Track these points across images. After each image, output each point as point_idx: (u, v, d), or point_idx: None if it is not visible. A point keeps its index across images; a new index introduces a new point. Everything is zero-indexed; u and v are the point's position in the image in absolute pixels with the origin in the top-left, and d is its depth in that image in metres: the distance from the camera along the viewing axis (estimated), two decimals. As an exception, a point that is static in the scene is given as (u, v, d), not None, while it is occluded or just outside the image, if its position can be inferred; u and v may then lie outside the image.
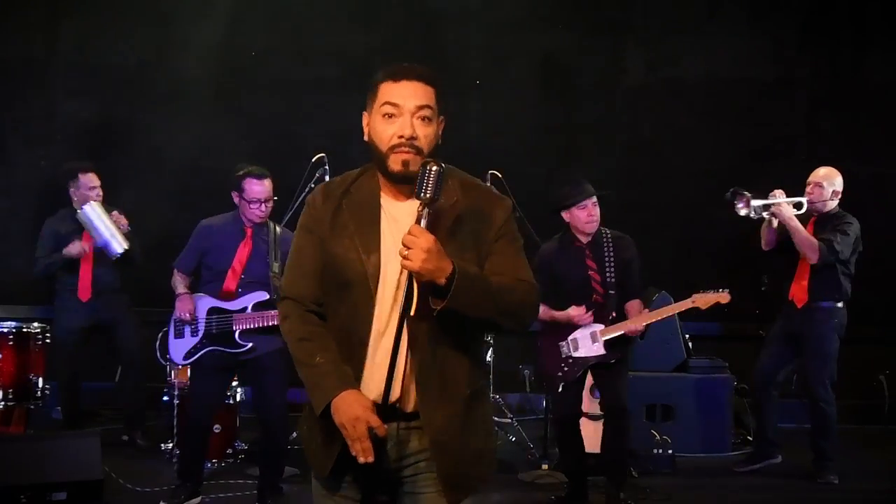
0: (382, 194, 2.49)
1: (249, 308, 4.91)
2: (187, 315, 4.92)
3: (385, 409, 2.37)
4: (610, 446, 5.10)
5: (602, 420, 5.75)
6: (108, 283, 6.22)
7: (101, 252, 5.97)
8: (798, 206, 5.74)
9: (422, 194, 2.31)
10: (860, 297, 5.83)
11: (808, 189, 5.84)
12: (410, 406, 2.43)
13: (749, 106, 7.76)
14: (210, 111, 7.58)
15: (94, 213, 5.81)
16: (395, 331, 2.34)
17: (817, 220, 5.85)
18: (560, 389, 5.11)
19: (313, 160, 5.80)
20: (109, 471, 5.20)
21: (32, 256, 6.24)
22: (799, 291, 5.82)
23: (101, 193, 6.13)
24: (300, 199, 5.72)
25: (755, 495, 5.67)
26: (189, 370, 5.40)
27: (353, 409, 2.34)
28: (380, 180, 2.49)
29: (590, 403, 5.72)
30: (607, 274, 5.07)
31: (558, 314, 5.09)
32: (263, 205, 4.94)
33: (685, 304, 5.16)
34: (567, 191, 5.14)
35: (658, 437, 6.08)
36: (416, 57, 2.51)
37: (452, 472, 2.44)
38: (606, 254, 5.10)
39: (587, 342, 5.06)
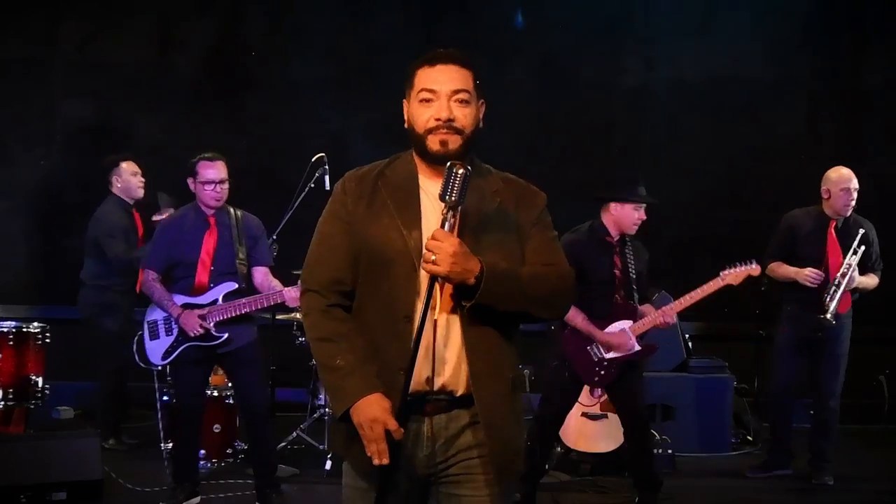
0: (420, 175, 2.49)
1: (220, 300, 4.89)
2: (200, 329, 4.85)
3: (430, 392, 2.37)
4: (636, 458, 5.00)
5: (600, 420, 5.73)
6: None
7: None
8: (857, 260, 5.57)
9: (447, 197, 2.31)
10: (860, 297, 5.82)
11: (852, 196, 5.59)
12: (460, 389, 2.41)
13: (749, 106, 7.76)
14: (210, 111, 7.58)
15: None
16: (436, 310, 2.35)
17: (841, 226, 5.67)
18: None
19: (313, 160, 5.79)
20: (109, 471, 5.20)
21: (28, 252, 6.21)
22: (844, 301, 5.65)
23: (143, 180, 6.30)
24: (300, 198, 5.72)
25: (755, 495, 5.65)
26: (171, 367, 5.38)
27: (371, 411, 2.33)
28: (416, 163, 2.50)
29: (589, 403, 5.71)
30: (630, 274, 4.91)
31: (598, 334, 4.77)
32: (218, 185, 4.90)
33: (716, 284, 4.91)
34: (630, 186, 4.87)
35: (658, 437, 6.08)
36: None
37: (503, 455, 2.41)
38: (630, 255, 4.95)
39: None
